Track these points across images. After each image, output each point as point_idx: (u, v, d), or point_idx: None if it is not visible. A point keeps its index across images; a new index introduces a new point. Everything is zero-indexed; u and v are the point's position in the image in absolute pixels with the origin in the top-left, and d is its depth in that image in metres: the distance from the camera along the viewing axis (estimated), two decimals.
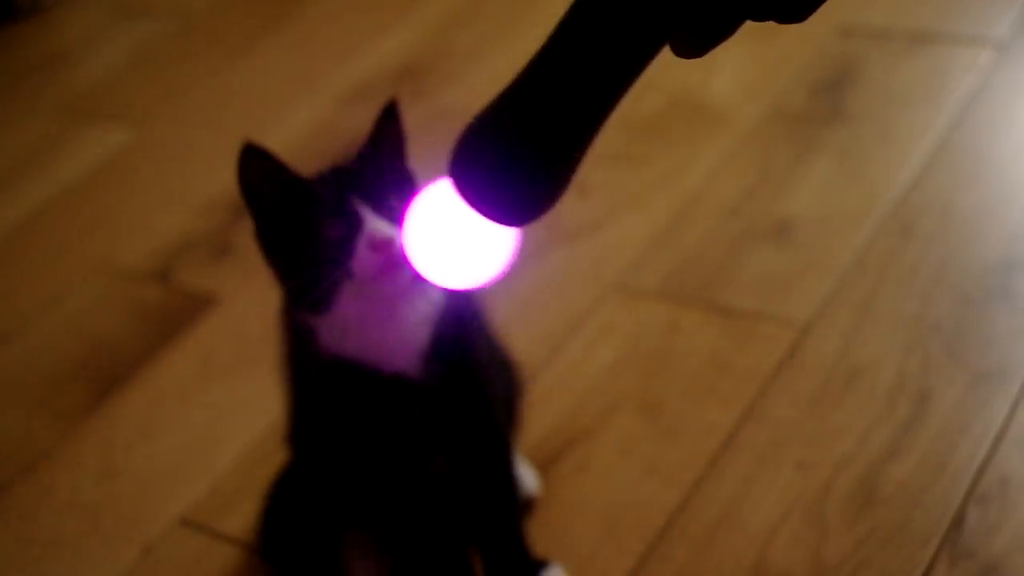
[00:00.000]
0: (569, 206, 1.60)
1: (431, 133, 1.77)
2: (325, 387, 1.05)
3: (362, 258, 0.96)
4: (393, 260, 0.96)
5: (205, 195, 1.76)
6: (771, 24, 0.71)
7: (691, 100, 1.71)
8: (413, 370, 1.02)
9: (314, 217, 0.97)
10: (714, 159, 1.60)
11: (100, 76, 2.18)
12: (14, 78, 2.24)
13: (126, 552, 1.26)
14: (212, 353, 1.50)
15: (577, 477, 1.23)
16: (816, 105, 1.65)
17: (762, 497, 1.16)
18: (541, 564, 1.11)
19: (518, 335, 1.37)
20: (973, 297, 1.31)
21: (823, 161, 1.55)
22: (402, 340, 1.02)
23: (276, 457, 1.23)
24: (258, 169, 0.98)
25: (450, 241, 0.79)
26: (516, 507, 1.11)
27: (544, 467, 1.23)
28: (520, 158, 0.71)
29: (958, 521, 1.10)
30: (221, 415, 1.40)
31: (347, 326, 1.00)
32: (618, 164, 1.62)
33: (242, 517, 1.26)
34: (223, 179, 1.82)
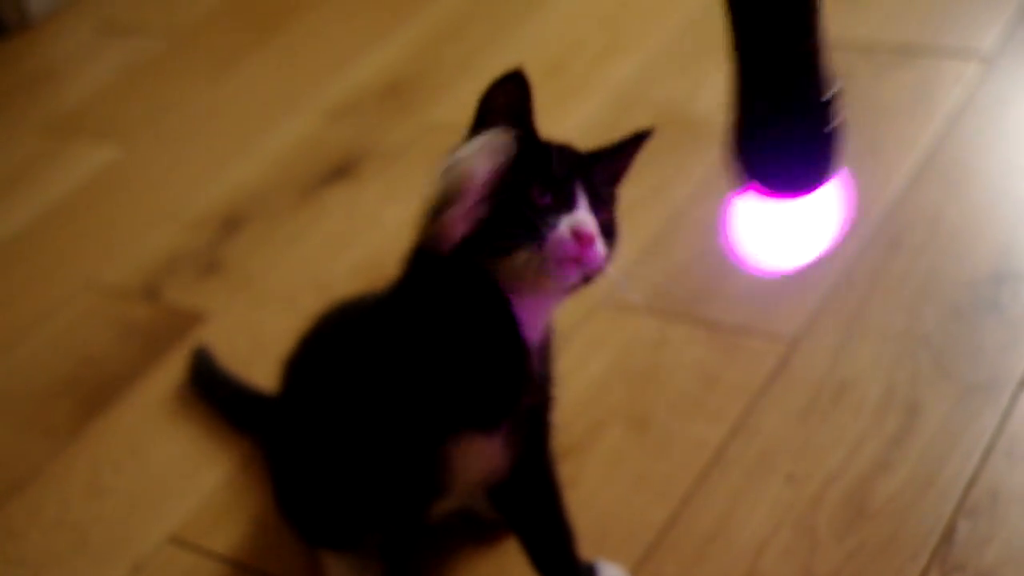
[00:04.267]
0: None
1: (419, 148, 1.78)
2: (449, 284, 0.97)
3: (560, 238, 0.93)
4: (583, 256, 0.94)
5: (193, 212, 1.76)
6: None
7: (677, 115, 1.71)
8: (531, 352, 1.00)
9: (533, 174, 0.94)
10: (701, 173, 1.60)
11: (87, 93, 2.18)
12: (1, 95, 2.24)
13: (115, 571, 1.26)
14: None
15: (566, 492, 1.22)
16: None
17: (752, 511, 1.16)
18: (592, 566, 1.11)
19: None
20: (962, 310, 1.31)
21: None
22: (534, 325, 1.00)
23: (264, 475, 1.23)
24: (512, 94, 0.96)
25: (779, 230, 0.82)
26: (564, 528, 1.11)
27: None
28: (793, 123, 0.77)
29: (948, 534, 1.09)
30: (210, 432, 1.40)
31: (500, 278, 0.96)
32: None
33: (231, 534, 1.26)
34: (211, 195, 1.83)
